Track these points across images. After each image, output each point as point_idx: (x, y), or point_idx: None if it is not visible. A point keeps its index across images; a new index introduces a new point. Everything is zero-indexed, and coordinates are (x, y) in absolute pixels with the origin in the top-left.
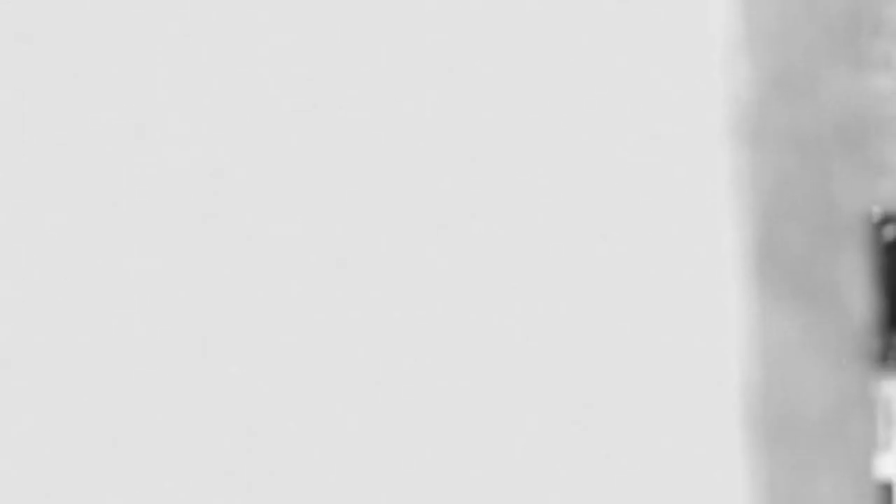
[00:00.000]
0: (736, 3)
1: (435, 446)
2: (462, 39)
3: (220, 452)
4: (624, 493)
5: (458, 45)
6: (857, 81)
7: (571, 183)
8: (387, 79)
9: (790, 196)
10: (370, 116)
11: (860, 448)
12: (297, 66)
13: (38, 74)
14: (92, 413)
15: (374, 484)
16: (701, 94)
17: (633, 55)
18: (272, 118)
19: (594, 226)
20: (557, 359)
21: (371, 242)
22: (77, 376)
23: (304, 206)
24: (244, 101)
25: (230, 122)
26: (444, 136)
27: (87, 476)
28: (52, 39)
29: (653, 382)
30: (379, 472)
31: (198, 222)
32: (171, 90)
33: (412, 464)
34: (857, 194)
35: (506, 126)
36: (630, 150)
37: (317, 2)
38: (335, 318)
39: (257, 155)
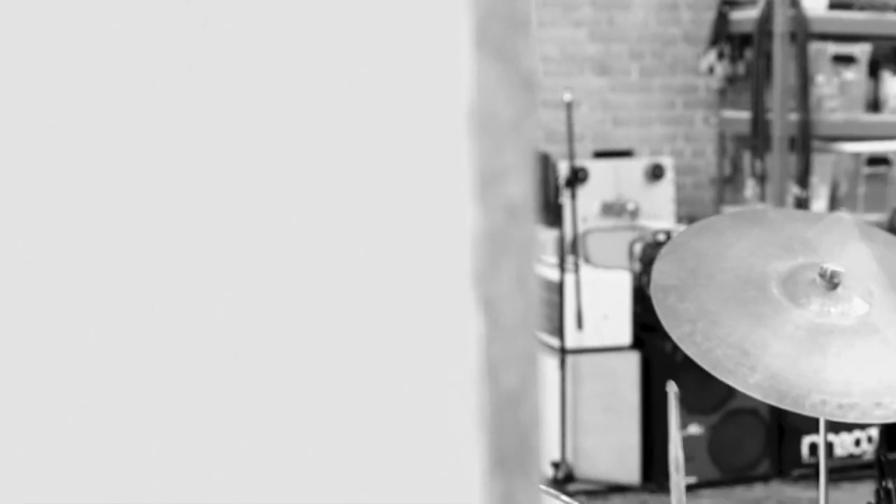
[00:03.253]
0: None
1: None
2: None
3: None
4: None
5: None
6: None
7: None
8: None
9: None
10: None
11: (528, 139)
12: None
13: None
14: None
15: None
16: (451, 23)
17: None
18: None
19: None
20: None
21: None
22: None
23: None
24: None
25: None
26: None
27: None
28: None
29: (409, 103)
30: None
31: None
32: None
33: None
34: (527, 51)
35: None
36: (401, 56)
37: None
38: None
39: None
